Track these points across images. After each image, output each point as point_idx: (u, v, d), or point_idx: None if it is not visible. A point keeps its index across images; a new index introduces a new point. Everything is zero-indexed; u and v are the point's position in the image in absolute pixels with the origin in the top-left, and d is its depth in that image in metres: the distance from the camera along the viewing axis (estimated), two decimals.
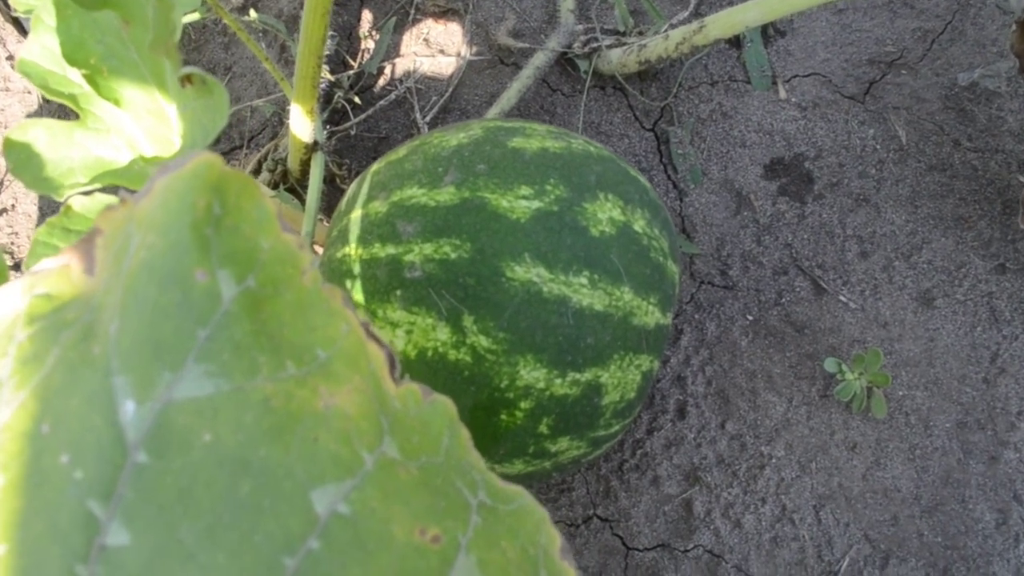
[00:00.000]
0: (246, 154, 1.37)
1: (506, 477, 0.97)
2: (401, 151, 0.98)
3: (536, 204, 0.87)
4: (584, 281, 0.85)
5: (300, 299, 0.46)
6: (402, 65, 1.43)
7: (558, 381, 0.85)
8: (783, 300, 1.30)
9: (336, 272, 0.92)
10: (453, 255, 0.84)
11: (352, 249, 0.91)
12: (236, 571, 0.40)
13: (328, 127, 1.33)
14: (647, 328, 0.92)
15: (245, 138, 1.40)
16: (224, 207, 0.46)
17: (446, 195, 0.87)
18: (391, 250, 0.87)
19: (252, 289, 0.45)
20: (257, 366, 0.43)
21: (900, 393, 1.25)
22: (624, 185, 0.94)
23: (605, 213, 0.89)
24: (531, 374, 0.85)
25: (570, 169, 0.91)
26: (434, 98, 1.40)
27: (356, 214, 0.93)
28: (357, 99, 1.36)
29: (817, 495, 1.21)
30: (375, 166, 0.99)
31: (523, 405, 0.86)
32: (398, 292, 0.86)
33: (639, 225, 0.92)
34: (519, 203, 0.87)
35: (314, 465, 0.42)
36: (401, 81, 1.41)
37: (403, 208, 0.89)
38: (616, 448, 1.24)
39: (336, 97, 1.33)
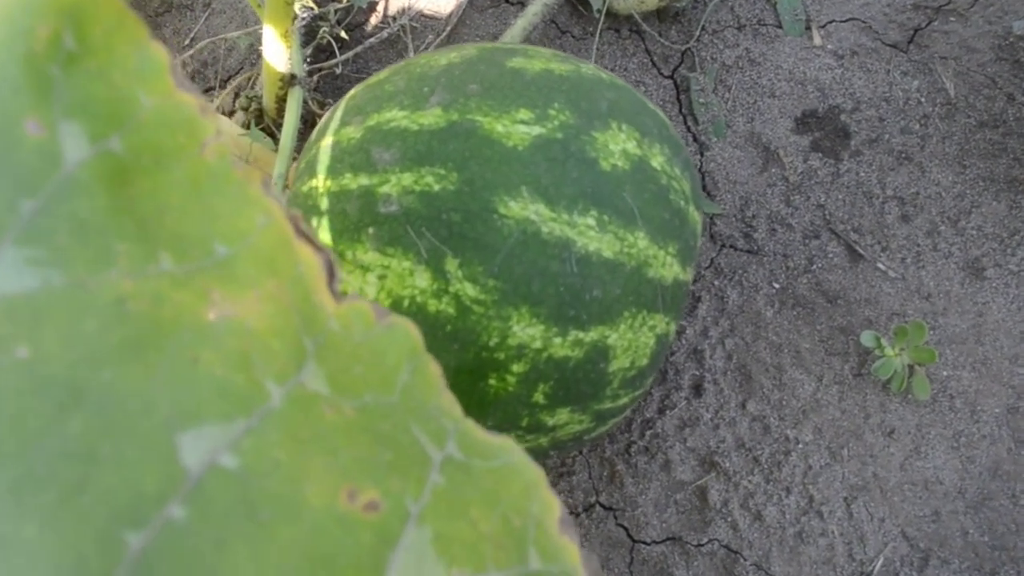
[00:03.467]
0: (221, 96, 1.24)
1: None
2: (383, 74, 0.85)
3: (537, 130, 0.74)
4: (591, 222, 0.72)
5: (196, 177, 0.34)
6: (396, 0, 1.29)
7: (558, 340, 0.73)
8: (814, 267, 1.16)
9: (301, 208, 0.79)
10: (436, 187, 0.71)
11: (320, 181, 0.78)
12: (50, 550, 0.27)
13: (311, 63, 1.19)
14: (664, 282, 0.79)
15: (220, 78, 1.27)
16: (83, 43, 0.33)
17: (431, 117, 0.74)
18: (364, 181, 0.74)
19: (116, 154, 0.32)
20: (111, 256, 0.30)
21: (944, 373, 1.11)
22: (641, 116, 0.81)
23: (618, 144, 0.76)
24: (526, 331, 0.72)
25: (578, 93, 0.78)
26: (430, 38, 1.26)
27: (326, 142, 0.80)
28: (344, 35, 1.23)
29: (849, 486, 1.07)
30: (352, 91, 0.86)
31: (516, 368, 0.73)
32: (370, 230, 0.73)
33: (657, 161, 0.79)
34: (517, 128, 0.73)
35: (188, 397, 0.30)
36: (395, 18, 1.27)
37: (380, 133, 0.75)
38: (623, 427, 1.11)
39: (321, 32, 1.20)
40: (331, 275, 0.35)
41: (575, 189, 0.73)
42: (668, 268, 0.79)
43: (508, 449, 0.35)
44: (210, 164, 0.34)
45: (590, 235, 0.72)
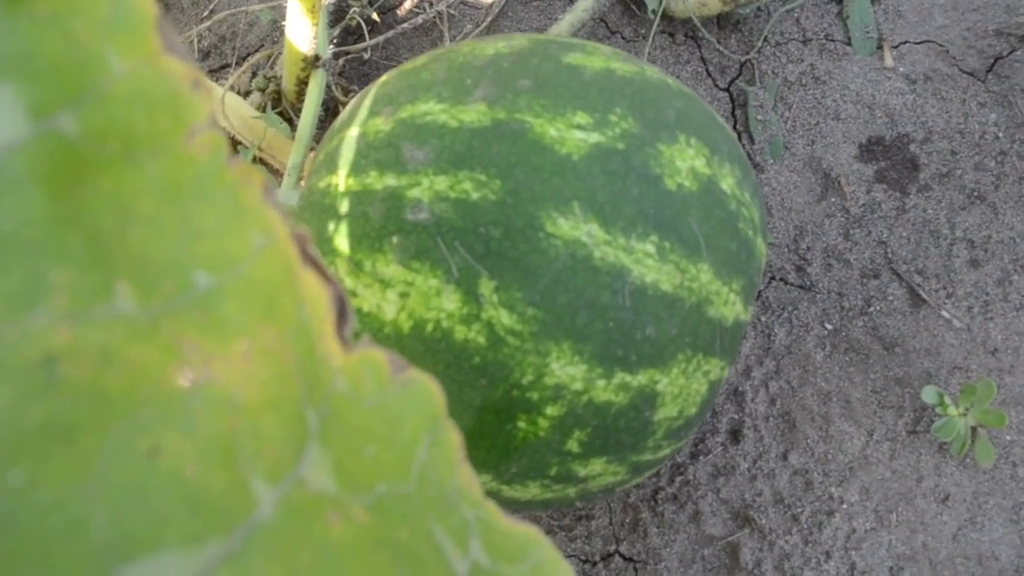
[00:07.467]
0: (237, 74, 1.14)
1: (515, 503, 0.74)
2: (420, 60, 0.75)
3: (595, 137, 0.63)
4: (651, 249, 0.62)
5: (177, 178, 0.25)
6: None
7: (601, 383, 0.63)
8: (871, 309, 1.06)
9: (316, 207, 0.69)
10: (475, 195, 0.61)
11: (340, 178, 0.68)
12: None
13: (337, 45, 1.09)
14: (724, 323, 0.69)
15: (238, 54, 1.17)
16: None
17: (474, 114, 0.64)
18: (391, 182, 0.64)
19: (68, 138, 0.23)
20: (43, 289, 0.21)
21: (1008, 438, 1.01)
22: (711, 130, 0.71)
23: (686, 162, 0.66)
24: (566, 370, 0.62)
25: (643, 99, 0.68)
26: (469, 27, 1.16)
27: (350, 133, 0.70)
28: (376, 17, 1.13)
29: (895, 554, 0.97)
30: (384, 76, 0.76)
31: (550, 411, 0.63)
32: (395, 239, 0.63)
33: (727, 183, 0.69)
34: (572, 134, 0.63)
35: (140, 510, 0.21)
36: (431, 3, 1.17)
37: (413, 127, 0.65)
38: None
39: (351, 12, 1.10)
40: (342, 315, 0.26)
41: (635, 209, 0.63)
42: (730, 307, 0.69)
43: (535, 542, 0.29)
44: (198, 160, 0.24)
45: (648, 264, 0.62)
